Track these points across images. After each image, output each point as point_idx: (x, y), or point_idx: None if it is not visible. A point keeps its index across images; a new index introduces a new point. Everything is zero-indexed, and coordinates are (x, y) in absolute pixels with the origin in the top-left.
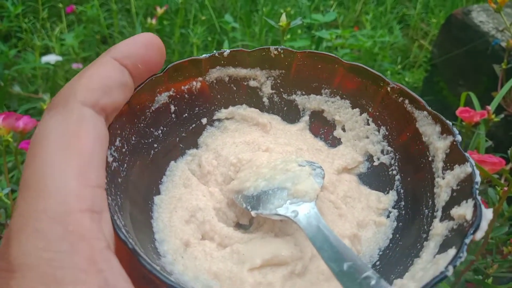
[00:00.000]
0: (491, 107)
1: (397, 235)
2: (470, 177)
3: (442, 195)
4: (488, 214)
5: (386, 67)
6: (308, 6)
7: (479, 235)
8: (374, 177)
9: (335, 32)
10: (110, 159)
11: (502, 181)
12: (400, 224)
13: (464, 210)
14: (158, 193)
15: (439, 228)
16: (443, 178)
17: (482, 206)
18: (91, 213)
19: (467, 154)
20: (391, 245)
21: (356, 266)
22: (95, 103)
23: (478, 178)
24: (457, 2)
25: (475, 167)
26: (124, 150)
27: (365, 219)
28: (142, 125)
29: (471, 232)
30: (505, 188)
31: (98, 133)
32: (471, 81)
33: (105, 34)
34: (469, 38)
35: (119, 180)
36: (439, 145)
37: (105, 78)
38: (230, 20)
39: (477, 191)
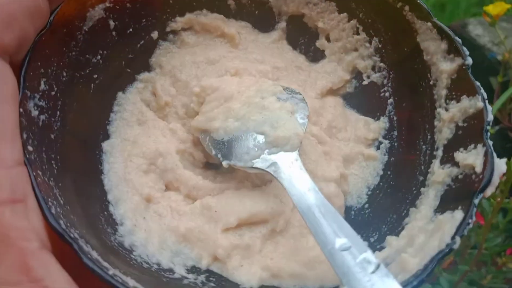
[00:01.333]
0: None
1: (389, 172)
2: (480, 114)
3: (444, 131)
4: (501, 166)
5: None
6: None
7: (490, 191)
8: (362, 99)
9: None
10: (35, 112)
11: (497, 192)
12: (392, 158)
13: (473, 159)
14: (107, 137)
15: (440, 174)
16: (447, 110)
17: (495, 155)
18: (11, 204)
19: (477, 84)
20: (381, 184)
21: (351, 244)
22: None
23: (490, 117)
24: (454, 15)
25: (487, 102)
26: (53, 93)
27: (352, 152)
28: (73, 53)
29: (481, 188)
30: (498, 199)
31: (3, 87)
32: None
33: None
34: None
35: (52, 136)
36: (444, 67)
37: (5, 3)
38: None
39: (489, 134)
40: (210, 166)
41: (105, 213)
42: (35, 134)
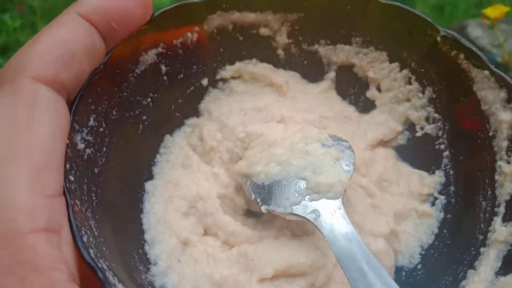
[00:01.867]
0: None
1: (445, 230)
2: None
3: (507, 186)
4: None
5: None
6: None
7: None
8: (416, 151)
9: None
10: (82, 145)
11: None
12: (449, 216)
13: None
14: (151, 177)
15: (502, 232)
16: (509, 163)
17: None
18: (46, 233)
19: None
20: (436, 243)
21: None
22: (54, 78)
23: None
24: (453, 17)
25: None
26: (101, 130)
27: (404, 208)
28: (125, 94)
29: None
30: None
31: (57, 121)
32: None
33: None
34: None
35: (96, 170)
36: (503, 118)
37: (68, 43)
38: None
39: None
40: (251, 214)
41: (140, 251)
42: (79, 165)
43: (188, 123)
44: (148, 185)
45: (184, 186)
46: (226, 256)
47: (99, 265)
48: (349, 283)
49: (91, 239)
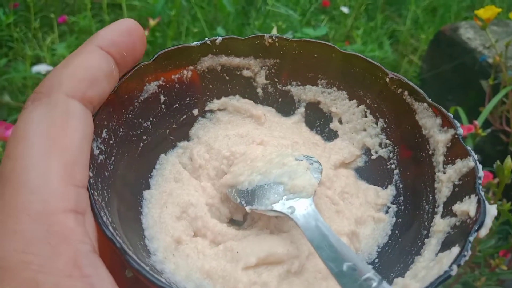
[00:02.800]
0: (478, 122)
1: (397, 231)
2: (472, 172)
3: (443, 190)
4: (492, 210)
5: None
6: (299, 21)
7: (484, 232)
8: (372, 172)
9: None
10: (97, 151)
11: (490, 195)
12: (400, 220)
13: (467, 206)
14: (148, 187)
15: (440, 225)
16: (444, 173)
17: (486, 202)
18: (75, 213)
19: (469, 148)
20: (390, 241)
21: (357, 266)
22: (82, 95)
23: (481, 173)
24: (445, 19)
25: (477, 162)
26: (111, 142)
27: (363, 215)
28: (130, 115)
29: (475, 229)
30: (492, 202)
31: (86, 128)
32: (459, 96)
33: None
34: (457, 54)
35: (106, 174)
36: (439, 138)
37: (92, 68)
38: (222, 33)
39: (480, 186)
40: (234, 222)
41: (142, 243)
42: (95, 166)
43: (180, 145)
44: (146, 193)
45: (176, 195)
46: (214, 251)
47: (117, 238)
48: (317, 253)
49: (107, 221)
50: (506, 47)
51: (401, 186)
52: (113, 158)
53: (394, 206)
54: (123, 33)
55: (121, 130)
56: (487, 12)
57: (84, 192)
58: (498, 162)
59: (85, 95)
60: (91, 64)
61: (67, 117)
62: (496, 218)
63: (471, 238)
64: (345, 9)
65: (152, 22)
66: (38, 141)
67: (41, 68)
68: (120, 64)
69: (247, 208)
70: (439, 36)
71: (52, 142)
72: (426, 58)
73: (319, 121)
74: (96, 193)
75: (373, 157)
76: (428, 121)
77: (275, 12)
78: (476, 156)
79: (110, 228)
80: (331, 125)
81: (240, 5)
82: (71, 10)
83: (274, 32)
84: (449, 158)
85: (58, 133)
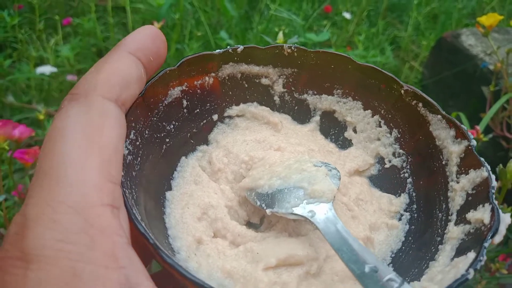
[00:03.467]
0: (479, 128)
1: (410, 238)
2: (486, 182)
3: (457, 199)
4: (506, 218)
5: None
6: (302, 26)
7: (498, 239)
8: (385, 180)
9: None
10: (126, 152)
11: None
12: (413, 227)
13: (482, 214)
14: (170, 188)
15: (455, 232)
16: (458, 182)
17: (500, 211)
18: (112, 208)
19: (482, 159)
20: (403, 247)
21: (378, 268)
22: (116, 97)
23: (494, 183)
24: (447, 26)
25: (490, 172)
26: (138, 143)
27: (377, 221)
28: (155, 118)
29: (490, 235)
30: None
31: (120, 128)
32: (460, 102)
33: (101, 47)
34: (458, 60)
35: (134, 173)
36: (453, 149)
37: (124, 72)
38: (225, 36)
39: (494, 196)
40: (251, 225)
41: (166, 241)
42: (124, 166)
43: (200, 149)
44: (168, 194)
45: (197, 197)
46: (234, 252)
47: (150, 234)
48: (339, 257)
49: (139, 218)
50: (507, 54)
51: (414, 194)
52: (139, 158)
53: (407, 213)
54: (148, 39)
55: (147, 132)
56: (489, 19)
57: (118, 189)
58: (501, 165)
59: (119, 97)
60: (123, 69)
61: (104, 117)
62: None
63: (486, 244)
64: (347, 15)
65: (156, 26)
66: (76, 139)
67: (45, 69)
68: (147, 68)
69: (268, 211)
70: (441, 42)
71: (89, 140)
72: (427, 64)
73: (334, 130)
74: (127, 191)
75: (387, 166)
76: (442, 133)
77: (278, 17)
78: (489, 167)
79: (143, 224)
80: (346, 134)
81: (243, 10)
82: (75, 12)
83: (280, 36)
84: (463, 169)
85: (95, 132)
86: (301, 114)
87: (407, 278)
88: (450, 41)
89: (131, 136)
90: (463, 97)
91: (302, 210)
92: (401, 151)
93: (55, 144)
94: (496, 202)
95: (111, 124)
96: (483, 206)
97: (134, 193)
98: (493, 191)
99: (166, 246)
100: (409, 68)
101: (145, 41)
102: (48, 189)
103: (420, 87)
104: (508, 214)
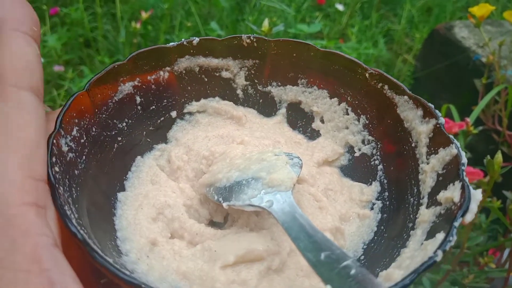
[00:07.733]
0: (470, 120)
1: (382, 227)
2: (456, 159)
3: (428, 181)
4: (477, 195)
5: None
6: (294, 16)
7: (469, 217)
8: (356, 169)
9: (320, 43)
10: (66, 148)
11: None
12: (385, 215)
13: (451, 193)
14: (123, 189)
15: (426, 215)
16: (428, 163)
17: (471, 187)
18: (36, 207)
19: (451, 136)
20: (375, 238)
21: (334, 255)
22: (29, 84)
23: (464, 159)
24: (441, 19)
25: (460, 148)
26: (82, 141)
27: (348, 212)
28: (104, 115)
29: (460, 214)
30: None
31: (39, 120)
32: (452, 95)
33: (88, 38)
34: (451, 53)
35: (76, 172)
36: (421, 130)
37: (24, 54)
38: (216, 27)
39: (464, 173)
40: (215, 225)
41: (113, 243)
42: (62, 163)
43: (157, 147)
44: (120, 195)
45: (152, 197)
46: (191, 252)
47: (80, 231)
48: (294, 244)
49: (72, 216)
50: (499, 46)
51: (385, 181)
52: (84, 157)
53: (379, 202)
54: (18, 7)
55: (94, 129)
56: (481, 9)
57: (44, 186)
58: (488, 157)
59: (31, 83)
60: (23, 51)
61: (21, 109)
62: (486, 215)
63: (456, 224)
64: (340, 7)
65: (144, 15)
66: None
67: None
68: (36, 40)
69: (224, 204)
70: (434, 34)
71: (9, 136)
72: (420, 57)
73: (301, 121)
74: (62, 188)
75: (357, 154)
76: (409, 114)
77: (270, 8)
78: (458, 144)
79: (74, 222)
80: (313, 125)
81: (235, 0)
82: (63, 2)
83: (266, 25)
84: (432, 149)
85: (14, 127)
86: (266, 107)
87: (378, 269)
88: (443, 33)
89: (74, 132)
90: (455, 89)
91: (259, 200)
92: (370, 137)
93: None
94: (466, 179)
95: (30, 116)
96: (453, 184)
97: (74, 192)
98: (463, 168)
99: (112, 248)
100: (402, 61)
101: (18, 11)
102: None
103: (413, 79)
104: (479, 190)
